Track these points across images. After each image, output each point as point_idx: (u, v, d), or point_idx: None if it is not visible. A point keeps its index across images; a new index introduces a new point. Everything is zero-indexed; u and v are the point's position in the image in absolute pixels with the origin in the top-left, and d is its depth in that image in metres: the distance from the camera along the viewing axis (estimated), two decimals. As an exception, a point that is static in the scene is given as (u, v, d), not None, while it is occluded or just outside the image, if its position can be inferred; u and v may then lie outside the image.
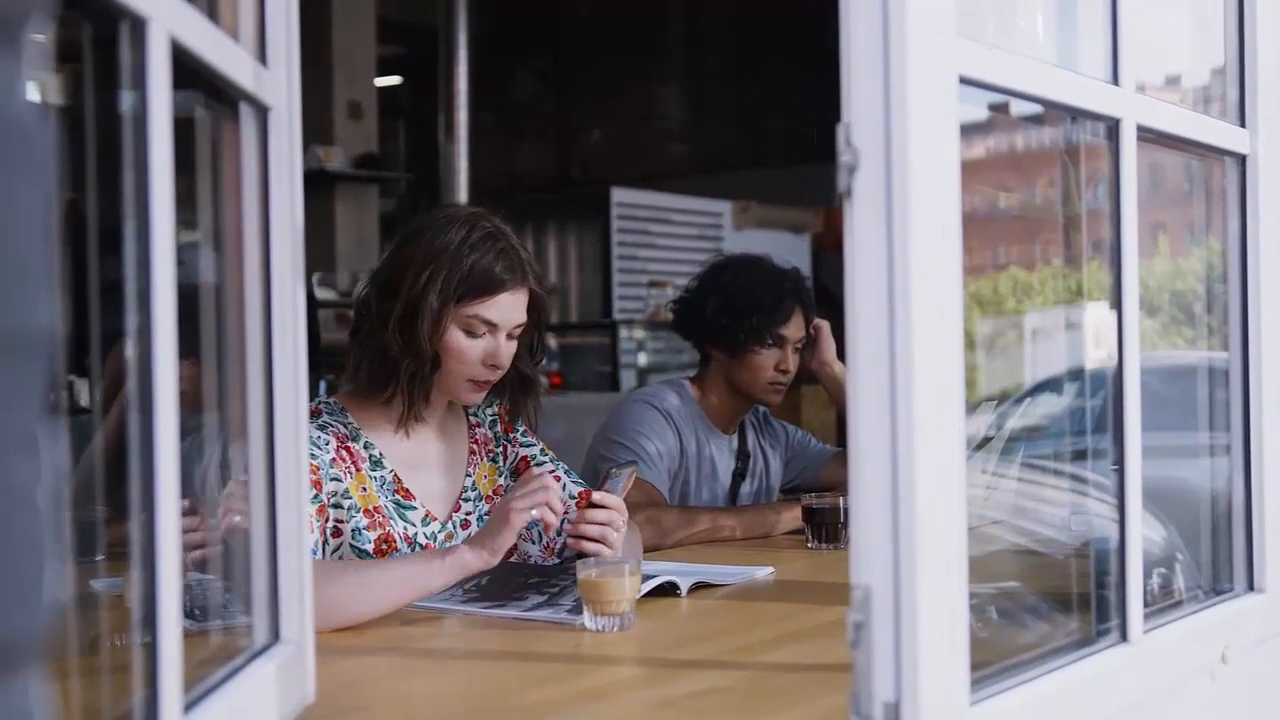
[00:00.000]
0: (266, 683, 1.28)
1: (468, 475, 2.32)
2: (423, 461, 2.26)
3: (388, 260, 2.23)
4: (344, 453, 2.15)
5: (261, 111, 1.33)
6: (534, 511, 1.95)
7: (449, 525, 2.25)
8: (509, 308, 2.18)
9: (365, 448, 2.20)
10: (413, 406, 2.20)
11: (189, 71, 1.11)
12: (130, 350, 1.01)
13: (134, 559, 1.02)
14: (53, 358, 0.60)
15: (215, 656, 1.30)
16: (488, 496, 2.33)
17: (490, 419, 2.40)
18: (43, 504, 0.58)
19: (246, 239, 1.34)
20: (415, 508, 2.21)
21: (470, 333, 2.16)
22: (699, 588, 2.16)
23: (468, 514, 2.29)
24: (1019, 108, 1.53)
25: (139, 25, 0.99)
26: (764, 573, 2.33)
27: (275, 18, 1.36)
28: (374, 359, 2.18)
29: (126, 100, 1.01)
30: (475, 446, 2.35)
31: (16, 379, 0.57)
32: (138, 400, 1.00)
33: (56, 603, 0.60)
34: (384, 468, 2.20)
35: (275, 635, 1.36)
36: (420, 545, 2.19)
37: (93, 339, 1.06)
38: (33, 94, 0.59)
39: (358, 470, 2.16)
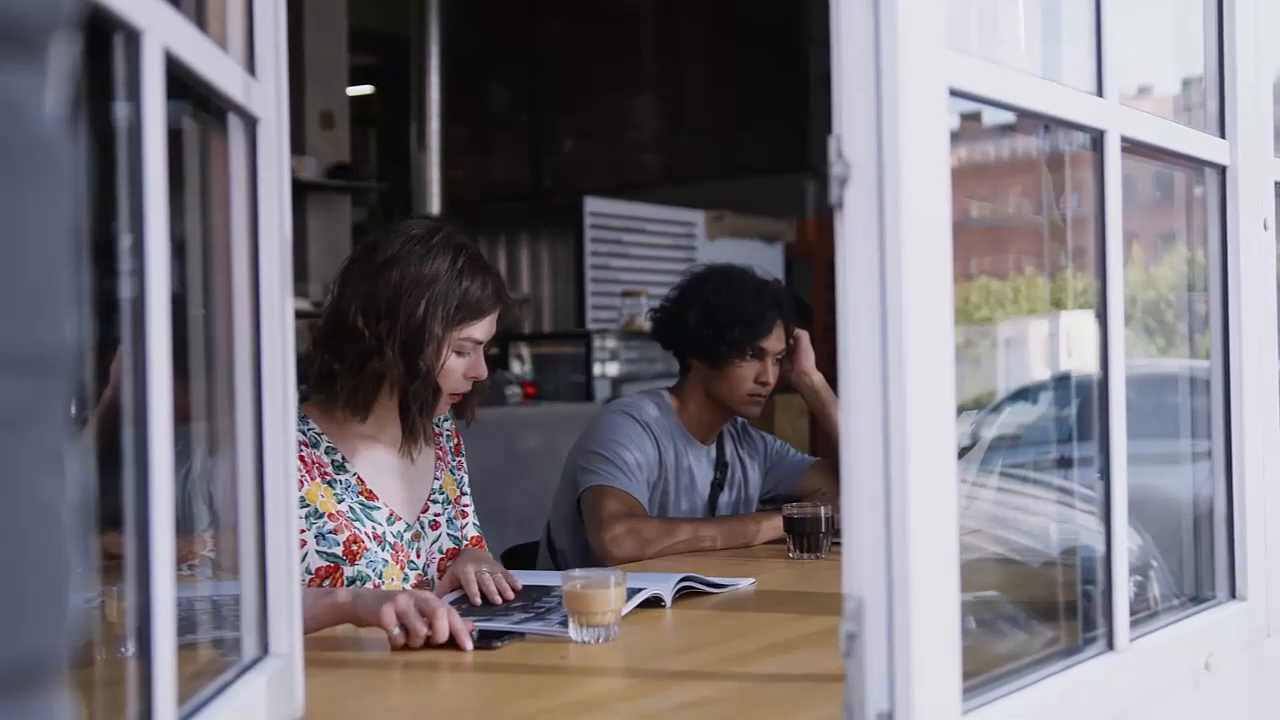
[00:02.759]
0: (257, 697, 1.27)
1: (435, 479, 2.39)
2: (389, 466, 2.32)
3: (370, 283, 2.22)
4: (298, 461, 2.17)
5: (250, 123, 1.33)
6: (395, 631, 1.81)
7: (416, 525, 2.32)
8: (491, 324, 2.30)
9: (327, 453, 2.25)
10: (425, 429, 2.29)
11: (178, 82, 1.10)
12: (124, 362, 1.00)
13: (127, 573, 1.02)
14: (73, 373, 0.59)
15: (204, 670, 1.29)
16: (453, 500, 2.42)
17: (446, 434, 2.47)
18: (67, 520, 0.58)
19: (235, 250, 1.33)
20: (379, 508, 2.26)
21: (460, 353, 2.26)
22: (685, 595, 2.16)
23: (436, 515, 2.37)
24: (990, 117, 1.53)
25: (133, 37, 0.98)
26: (746, 583, 2.33)
27: (264, 29, 1.35)
28: (372, 384, 2.22)
29: (120, 111, 1.00)
30: (440, 453, 2.43)
31: (42, 395, 0.57)
32: (131, 413, 0.99)
33: (80, 618, 0.59)
34: (348, 471, 2.25)
35: (264, 649, 1.35)
36: (389, 544, 2.25)
37: (85, 352, 1.05)
38: (57, 110, 0.59)
39: (313, 478, 2.20)
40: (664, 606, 2.10)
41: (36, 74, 0.58)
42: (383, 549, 2.23)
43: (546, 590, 2.16)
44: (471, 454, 2.55)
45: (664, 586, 2.13)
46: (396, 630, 1.81)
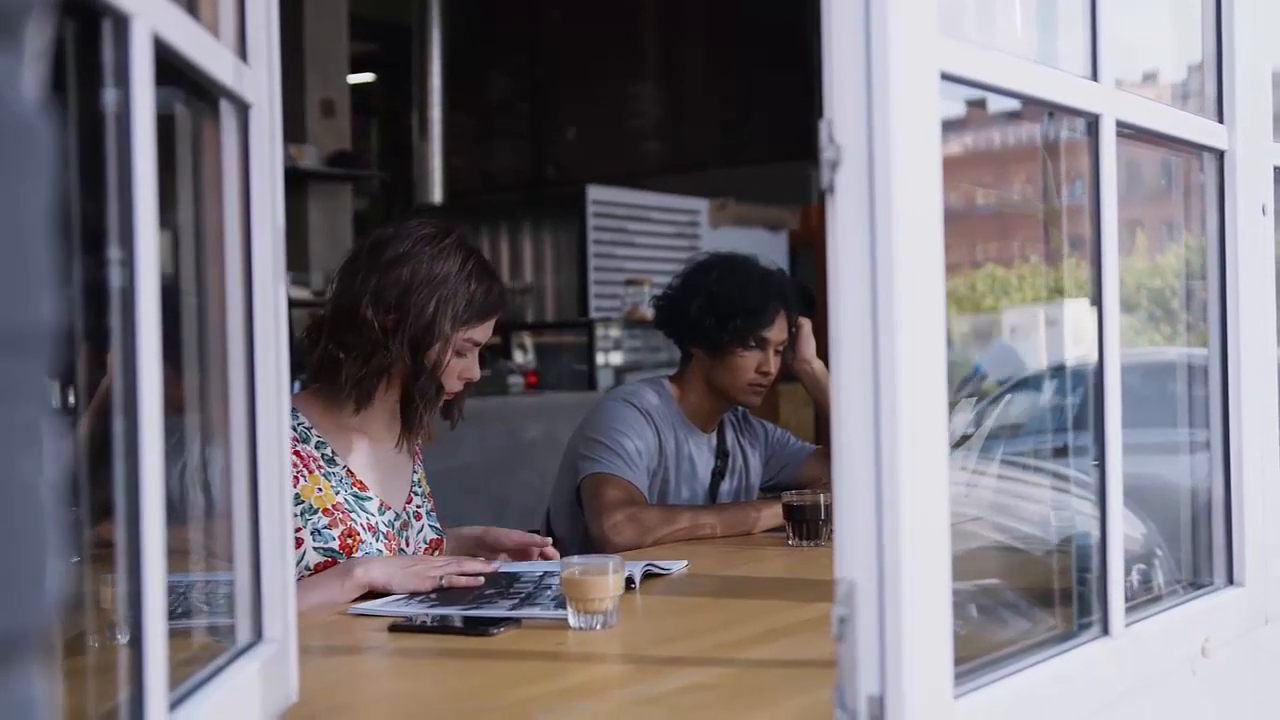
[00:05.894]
0: (250, 681, 1.27)
1: (414, 472, 2.45)
2: (374, 459, 2.36)
3: (379, 278, 2.25)
4: (294, 456, 2.19)
5: (242, 109, 1.33)
6: (443, 582, 2.12)
7: (404, 515, 2.37)
8: (490, 328, 2.36)
9: (317, 447, 2.28)
10: (425, 425, 2.34)
11: (169, 68, 1.10)
12: (113, 351, 1.00)
13: (118, 560, 1.02)
14: (51, 352, 0.60)
15: (198, 656, 1.30)
16: (429, 494, 2.48)
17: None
18: (45, 498, 0.59)
19: (227, 237, 1.33)
20: (371, 498, 2.31)
21: (460, 353, 2.30)
22: (683, 584, 2.18)
23: (418, 507, 2.43)
24: (996, 104, 1.53)
25: (122, 22, 0.98)
26: (679, 566, 2.36)
27: (255, 14, 1.35)
28: (376, 376, 2.26)
29: (109, 97, 1.00)
30: (417, 450, 2.48)
31: (21, 373, 0.57)
32: (121, 401, 0.99)
33: (59, 596, 0.60)
34: (338, 464, 2.29)
35: (258, 634, 1.35)
36: (382, 533, 2.29)
37: (72, 340, 1.05)
38: (33, 91, 0.59)
39: (311, 472, 2.24)
40: (634, 589, 2.11)
41: (12, 56, 0.58)
42: (376, 539, 2.27)
43: (516, 577, 2.18)
44: (473, 443, 2.57)
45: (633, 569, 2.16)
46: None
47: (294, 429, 2.25)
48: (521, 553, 2.41)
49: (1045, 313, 2.00)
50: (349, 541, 2.22)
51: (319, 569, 2.18)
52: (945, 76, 1.23)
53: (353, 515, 2.25)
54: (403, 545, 2.34)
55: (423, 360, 2.25)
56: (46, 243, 0.59)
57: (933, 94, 1.21)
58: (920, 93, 1.19)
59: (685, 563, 2.39)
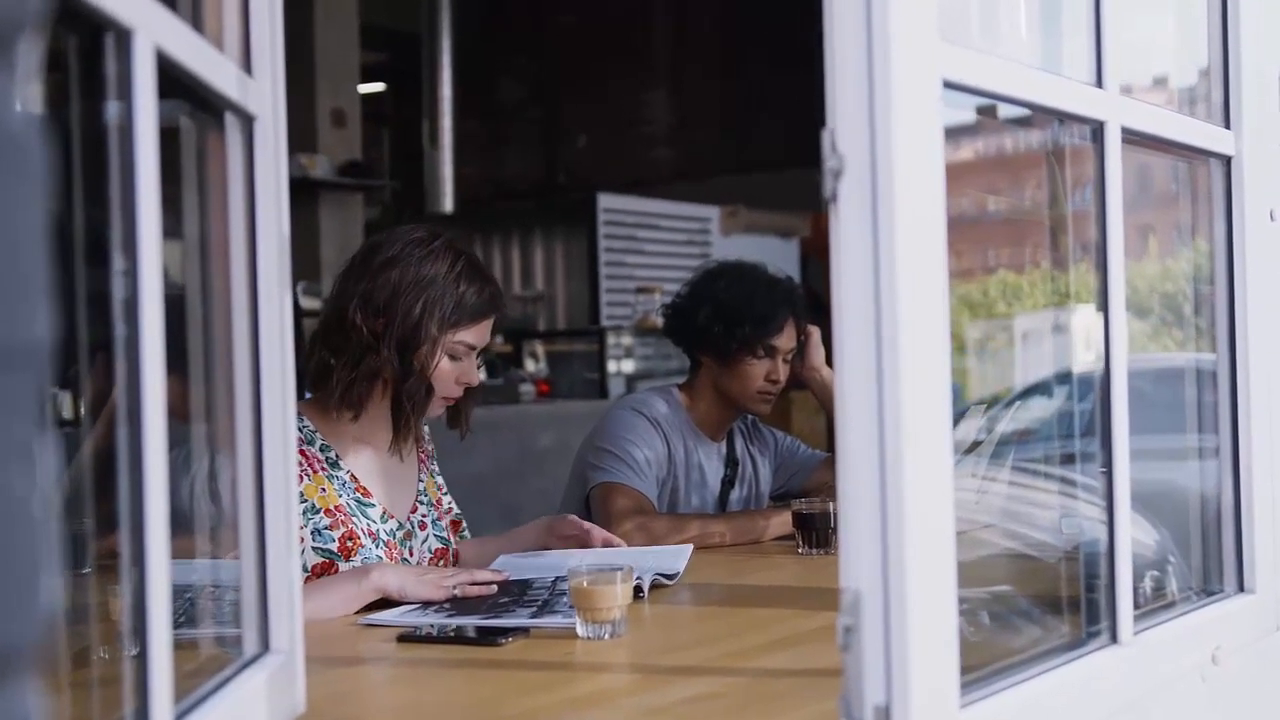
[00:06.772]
0: (257, 693, 1.27)
1: (420, 481, 2.44)
2: (379, 467, 2.36)
3: (369, 282, 2.26)
4: (298, 456, 2.20)
5: (247, 121, 1.33)
6: (456, 591, 2.10)
7: (407, 524, 2.37)
8: (485, 331, 2.34)
9: (321, 450, 2.29)
10: (413, 428, 2.34)
11: (173, 81, 1.10)
12: (118, 362, 1.00)
13: (122, 571, 1.02)
14: (47, 369, 0.60)
15: (204, 667, 1.30)
16: (435, 503, 2.47)
17: (426, 438, 2.54)
18: (38, 513, 0.59)
19: (233, 249, 1.34)
20: (374, 505, 2.31)
21: (453, 357, 2.30)
22: (656, 587, 2.20)
23: (423, 516, 2.42)
24: (1006, 110, 1.53)
25: (124, 36, 0.98)
26: (685, 551, 2.40)
27: (260, 27, 1.35)
28: (366, 380, 2.26)
29: (112, 110, 1.01)
30: (423, 457, 2.48)
31: (14, 389, 0.57)
32: (125, 413, 1.00)
33: (52, 611, 0.60)
34: (342, 469, 2.29)
35: (265, 645, 1.35)
36: (383, 541, 2.29)
37: (80, 351, 1.06)
38: (26, 105, 0.60)
39: (315, 473, 2.25)
40: (642, 598, 2.10)
41: (4, 72, 0.58)
42: (376, 546, 2.27)
43: (529, 584, 2.18)
44: (485, 451, 2.57)
45: (658, 563, 2.19)
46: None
47: (300, 431, 2.25)
48: (581, 541, 2.45)
49: (1056, 318, 1.99)
50: (348, 544, 2.22)
51: (317, 570, 2.18)
52: (948, 84, 1.23)
53: (354, 519, 2.25)
54: (405, 555, 2.33)
55: (411, 362, 2.25)
56: (41, 258, 0.59)
57: (935, 101, 1.21)
58: (922, 100, 1.19)
59: (690, 547, 2.42)
